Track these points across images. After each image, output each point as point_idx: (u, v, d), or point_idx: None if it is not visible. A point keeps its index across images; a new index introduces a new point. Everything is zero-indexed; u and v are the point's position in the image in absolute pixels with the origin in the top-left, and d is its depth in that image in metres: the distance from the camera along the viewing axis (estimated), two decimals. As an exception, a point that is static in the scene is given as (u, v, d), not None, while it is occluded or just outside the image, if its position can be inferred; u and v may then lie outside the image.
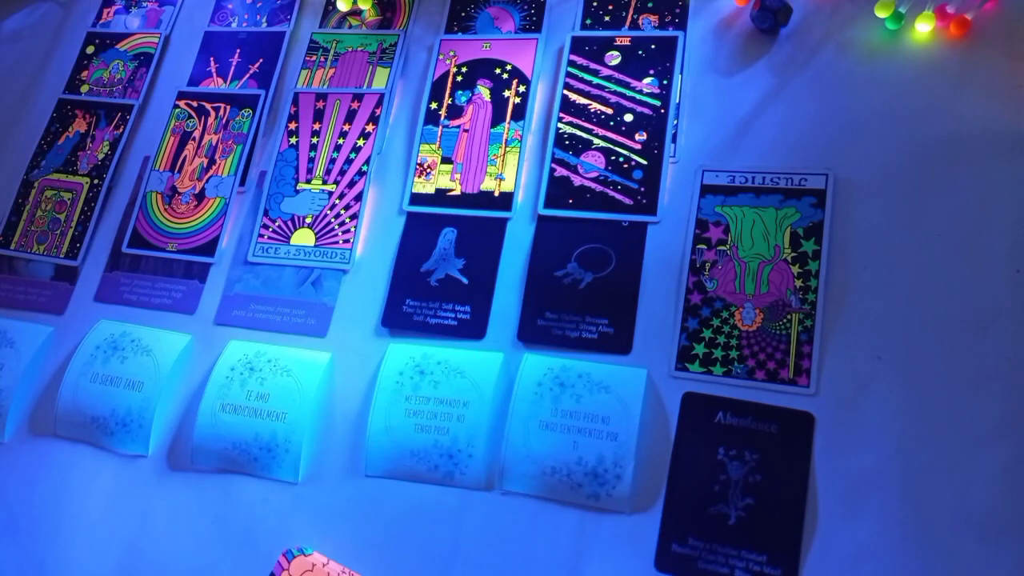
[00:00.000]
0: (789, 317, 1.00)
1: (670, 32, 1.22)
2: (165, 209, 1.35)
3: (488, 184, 1.21)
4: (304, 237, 1.25)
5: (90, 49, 1.57)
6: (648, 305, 1.07)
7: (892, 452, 0.91)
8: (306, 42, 1.43)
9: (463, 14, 1.36)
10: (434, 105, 1.29)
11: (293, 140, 1.33)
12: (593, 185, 1.15)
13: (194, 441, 1.14)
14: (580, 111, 1.20)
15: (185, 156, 1.38)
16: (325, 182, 1.28)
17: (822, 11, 1.16)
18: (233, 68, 1.45)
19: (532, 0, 1.33)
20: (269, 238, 1.27)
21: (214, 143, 1.37)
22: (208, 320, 1.25)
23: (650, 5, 1.25)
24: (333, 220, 1.25)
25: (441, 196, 1.22)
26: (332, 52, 1.40)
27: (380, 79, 1.35)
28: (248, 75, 1.43)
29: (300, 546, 1.03)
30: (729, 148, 1.12)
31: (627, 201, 1.13)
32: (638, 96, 1.18)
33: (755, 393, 0.98)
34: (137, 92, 1.48)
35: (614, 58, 1.22)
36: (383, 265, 1.21)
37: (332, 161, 1.29)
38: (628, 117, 1.17)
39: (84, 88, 1.52)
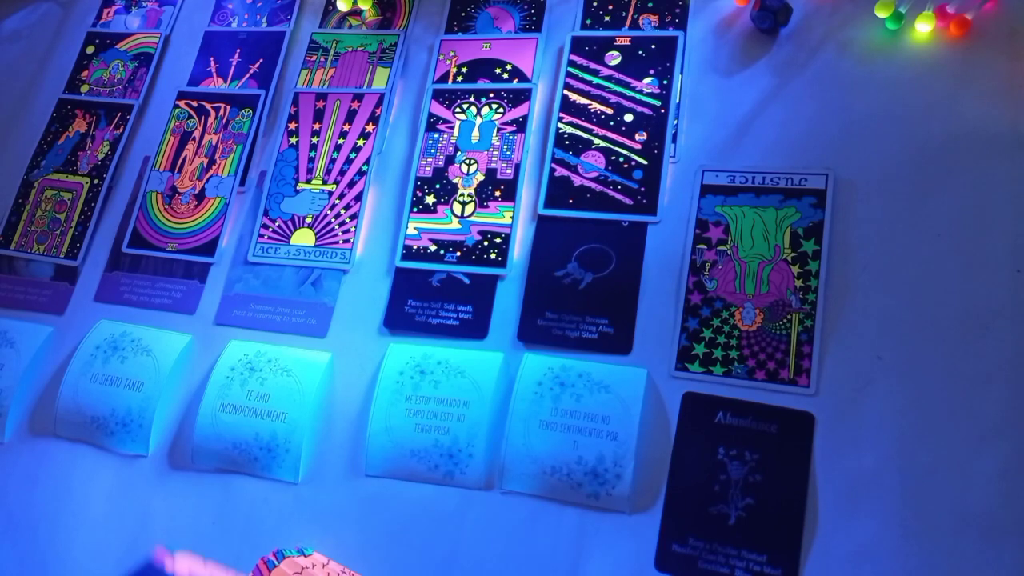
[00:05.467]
0: (789, 317, 1.00)
1: (670, 32, 1.22)
2: (165, 209, 1.35)
3: (488, 184, 1.21)
4: (304, 237, 1.25)
5: (90, 49, 1.56)
6: (648, 305, 1.07)
7: (892, 452, 0.91)
8: (306, 42, 1.43)
9: (463, 14, 1.36)
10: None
11: (293, 140, 1.33)
12: (593, 185, 1.15)
13: (194, 441, 1.14)
14: (580, 111, 1.20)
15: (185, 156, 1.38)
16: (325, 182, 1.28)
17: (822, 11, 1.16)
18: (233, 68, 1.44)
19: (532, 0, 1.33)
20: (269, 238, 1.27)
21: (214, 143, 1.37)
22: (208, 320, 1.25)
23: (650, 5, 1.25)
24: (333, 220, 1.25)
25: (441, 196, 1.22)
26: (332, 52, 1.40)
27: (380, 79, 1.35)
28: (248, 75, 1.43)
29: (300, 546, 1.03)
30: (729, 148, 1.12)
31: (627, 201, 1.12)
32: (638, 96, 1.18)
33: (755, 393, 0.98)
34: (137, 92, 1.48)
35: (614, 58, 1.22)
36: (383, 265, 1.21)
37: (332, 161, 1.29)
38: (628, 117, 1.17)
39: (84, 88, 1.52)
